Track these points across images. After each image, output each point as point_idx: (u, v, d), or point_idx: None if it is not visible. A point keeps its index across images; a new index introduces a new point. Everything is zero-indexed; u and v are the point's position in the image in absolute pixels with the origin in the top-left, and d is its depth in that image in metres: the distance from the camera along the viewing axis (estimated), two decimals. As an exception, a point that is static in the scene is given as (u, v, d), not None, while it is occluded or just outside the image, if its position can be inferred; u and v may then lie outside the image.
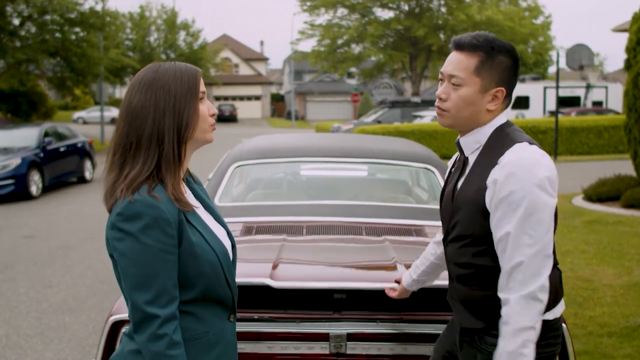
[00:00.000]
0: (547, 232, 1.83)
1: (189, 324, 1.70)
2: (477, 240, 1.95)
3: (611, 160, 18.85)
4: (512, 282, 1.83)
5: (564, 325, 2.49)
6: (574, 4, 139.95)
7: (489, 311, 1.97)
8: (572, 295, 5.76)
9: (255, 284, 2.49)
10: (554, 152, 19.89)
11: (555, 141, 19.82)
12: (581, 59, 24.65)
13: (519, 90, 28.10)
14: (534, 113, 28.28)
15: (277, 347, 2.54)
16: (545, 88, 29.04)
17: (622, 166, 13.41)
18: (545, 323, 1.91)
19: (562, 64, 25.15)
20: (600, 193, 10.66)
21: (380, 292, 2.54)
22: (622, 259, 7.06)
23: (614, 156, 20.09)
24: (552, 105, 27.25)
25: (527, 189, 1.81)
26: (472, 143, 2.00)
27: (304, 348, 2.54)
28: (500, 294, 1.87)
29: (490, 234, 1.90)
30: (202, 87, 1.77)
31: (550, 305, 1.93)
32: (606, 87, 29.52)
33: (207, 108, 1.77)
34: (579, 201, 11.06)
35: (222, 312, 1.79)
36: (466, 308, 2.03)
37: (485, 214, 1.90)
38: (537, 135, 21.17)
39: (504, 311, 1.84)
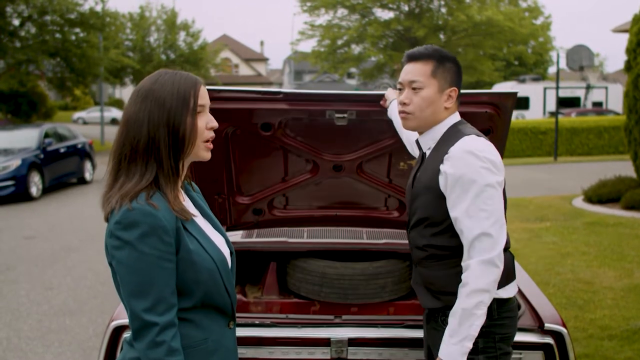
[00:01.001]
0: (498, 204, 2.07)
1: (188, 331, 1.70)
2: (435, 221, 2.18)
3: (611, 161, 18.84)
4: (472, 251, 2.04)
5: (564, 329, 2.50)
6: (574, 4, 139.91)
7: (446, 292, 2.17)
8: (572, 298, 5.76)
9: (270, 90, 2.74)
10: (554, 152, 19.89)
11: (555, 142, 19.82)
12: (581, 59, 24.66)
13: (519, 90, 28.07)
14: (534, 114, 28.28)
15: (278, 352, 2.55)
16: (545, 89, 29.04)
17: (623, 167, 13.41)
18: (500, 301, 2.15)
19: (562, 64, 25.15)
20: (601, 194, 10.66)
21: None
22: (623, 261, 7.05)
23: (614, 157, 20.09)
24: (552, 105, 27.25)
25: (475, 171, 2.05)
26: (429, 140, 2.26)
27: (305, 353, 2.54)
28: (462, 264, 2.07)
29: (446, 215, 2.13)
30: (202, 100, 1.73)
31: (502, 283, 2.12)
32: (606, 88, 29.53)
33: (205, 122, 1.73)
34: (579, 202, 11.06)
35: (222, 319, 1.79)
36: (428, 290, 2.25)
37: (441, 197, 2.13)
38: (537, 135, 21.17)
39: (464, 275, 2.04)
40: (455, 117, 2.26)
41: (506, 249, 2.18)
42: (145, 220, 1.60)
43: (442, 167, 2.12)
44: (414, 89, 2.20)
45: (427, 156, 2.27)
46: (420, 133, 2.29)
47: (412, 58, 2.24)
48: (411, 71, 2.22)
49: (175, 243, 1.65)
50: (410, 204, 2.30)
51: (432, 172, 2.17)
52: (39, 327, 5.44)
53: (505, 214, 2.15)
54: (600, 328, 4.95)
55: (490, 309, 2.09)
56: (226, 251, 1.84)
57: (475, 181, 2.04)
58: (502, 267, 2.04)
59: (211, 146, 1.77)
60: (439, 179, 2.13)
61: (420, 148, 2.32)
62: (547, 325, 2.50)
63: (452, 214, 2.09)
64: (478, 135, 2.17)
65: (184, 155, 1.71)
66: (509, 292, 2.19)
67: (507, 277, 2.17)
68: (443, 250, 2.18)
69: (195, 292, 1.70)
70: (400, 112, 2.23)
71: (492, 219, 2.03)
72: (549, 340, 2.48)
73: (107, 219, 1.67)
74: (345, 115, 2.80)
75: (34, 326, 5.46)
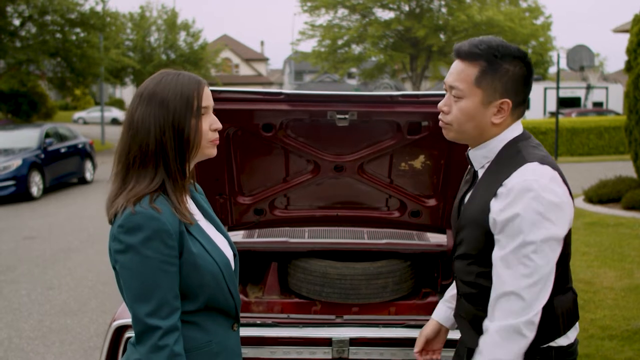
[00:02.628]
0: (546, 263, 1.69)
1: (192, 334, 1.70)
2: (481, 261, 1.85)
3: (612, 161, 18.83)
4: (497, 310, 1.72)
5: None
6: (574, 4, 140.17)
7: None
8: (573, 298, 5.77)
9: (272, 91, 2.77)
10: (554, 153, 19.90)
11: (556, 142, 19.83)
12: (582, 59, 24.65)
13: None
14: (535, 114, 28.29)
15: (280, 352, 2.55)
16: (545, 89, 29.06)
17: (623, 167, 13.41)
18: (559, 349, 1.84)
19: (563, 64, 25.14)
20: (601, 194, 10.66)
21: None
22: (623, 262, 7.05)
23: (614, 157, 20.09)
24: (552, 106, 27.27)
25: (529, 216, 1.69)
26: (480, 158, 1.90)
27: (306, 353, 2.55)
28: (484, 321, 1.77)
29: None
30: (205, 101, 1.72)
31: (562, 331, 1.84)
32: (606, 88, 29.54)
33: (209, 123, 1.74)
34: (579, 203, 11.05)
35: (226, 322, 1.79)
36: (472, 327, 1.94)
37: (488, 236, 1.80)
38: (538, 136, 21.16)
39: (481, 339, 1.74)
40: (514, 131, 1.85)
41: (569, 288, 1.90)
42: (149, 224, 1.59)
43: (492, 203, 1.77)
44: (454, 96, 1.83)
45: (479, 177, 1.91)
46: (471, 146, 1.92)
47: (459, 54, 1.83)
48: (454, 72, 1.83)
49: (179, 246, 1.64)
50: (456, 231, 1.97)
51: (482, 204, 1.81)
52: (40, 327, 5.45)
53: (569, 260, 1.86)
54: (600, 328, 4.95)
55: (547, 357, 1.83)
56: (229, 253, 1.84)
57: (524, 227, 1.68)
58: (531, 336, 1.70)
59: (217, 142, 1.76)
60: (488, 215, 1.78)
61: (471, 164, 1.95)
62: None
63: (493, 254, 1.76)
64: (542, 162, 1.76)
65: (189, 158, 1.70)
66: (569, 338, 1.87)
67: (569, 321, 1.87)
68: (488, 292, 1.80)
69: (199, 296, 1.69)
70: (440, 119, 1.90)
71: (533, 278, 1.67)
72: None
73: (111, 222, 1.67)
74: (347, 116, 2.81)
75: (35, 326, 5.46)
